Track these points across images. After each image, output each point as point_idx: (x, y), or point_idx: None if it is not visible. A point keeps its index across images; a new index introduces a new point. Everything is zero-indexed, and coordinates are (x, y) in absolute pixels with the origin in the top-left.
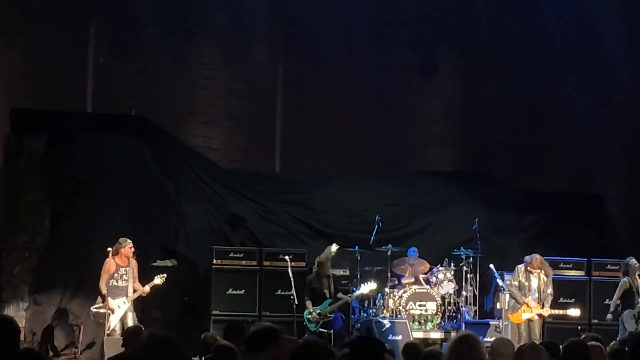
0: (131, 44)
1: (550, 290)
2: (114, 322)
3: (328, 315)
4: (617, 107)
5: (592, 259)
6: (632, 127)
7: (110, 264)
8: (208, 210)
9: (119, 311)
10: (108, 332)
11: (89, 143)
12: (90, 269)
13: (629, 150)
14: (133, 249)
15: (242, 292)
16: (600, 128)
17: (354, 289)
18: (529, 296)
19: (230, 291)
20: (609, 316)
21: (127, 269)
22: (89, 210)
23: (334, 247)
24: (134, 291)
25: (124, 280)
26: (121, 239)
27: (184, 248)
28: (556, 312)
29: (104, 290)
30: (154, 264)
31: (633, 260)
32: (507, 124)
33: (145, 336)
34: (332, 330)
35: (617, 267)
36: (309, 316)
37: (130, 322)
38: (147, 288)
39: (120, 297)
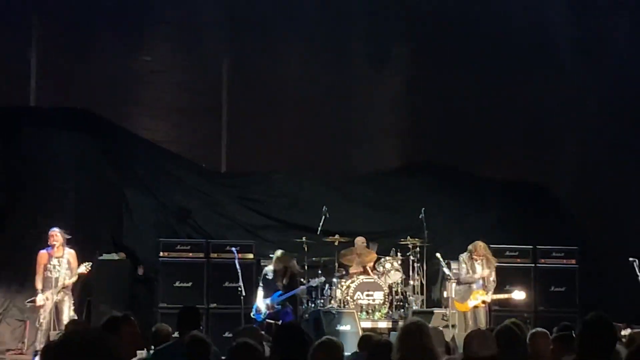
0: (76, 36)
1: (493, 277)
2: (43, 315)
3: (275, 306)
4: (565, 97)
5: (538, 247)
6: (580, 116)
7: (41, 255)
8: (154, 202)
9: (48, 303)
10: (37, 325)
11: (33, 137)
12: (35, 263)
13: (577, 138)
14: (53, 236)
15: (190, 284)
16: (549, 117)
17: (305, 282)
18: (474, 284)
19: (177, 284)
20: None
21: (61, 259)
22: (34, 204)
23: (278, 252)
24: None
25: (57, 271)
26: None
27: (130, 241)
28: (501, 296)
29: (38, 284)
30: (101, 257)
31: None
32: (457, 114)
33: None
34: (281, 322)
35: (562, 254)
36: (257, 306)
37: (65, 313)
38: (68, 280)
39: (51, 289)
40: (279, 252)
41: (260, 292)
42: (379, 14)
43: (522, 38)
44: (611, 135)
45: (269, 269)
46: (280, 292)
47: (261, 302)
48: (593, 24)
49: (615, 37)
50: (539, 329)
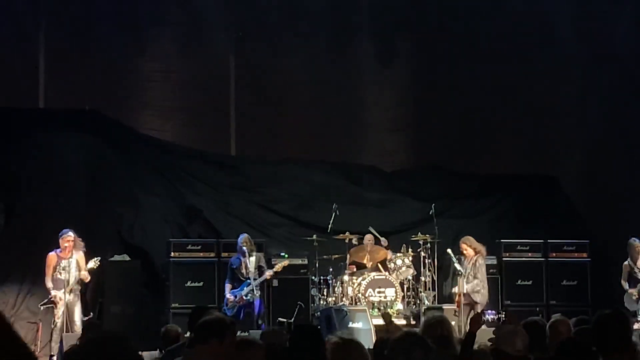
0: (83, 38)
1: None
2: (57, 315)
3: (244, 298)
4: (570, 88)
5: (549, 241)
6: (586, 107)
7: (51, 258)
8: (164, 202)
9: (61, 303)
10: (52, 325)
11: (42, 139)
12: (45, 266)
13: (583, 129)
14: (69, 241)
15: (201, 284)
16: (555, 109)
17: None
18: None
19: (189, 284)
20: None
21: (70, 260)
22: (44, 206)
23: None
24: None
25: (67, 272)
26: (63, 231)
27: (141, 242)
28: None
29: (49, 285)
30: (111, 259)
31: (632, 240)
32: (463, 108)
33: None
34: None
35: (573, 248)
36: (227, 299)
37: (76, 314)
38: (84, 273)
39: (62, 290)
40: (245, 235)
41: (227, 285)
42: (385, 10)
43: (526, 29)
44: (620, 126)
45: (234, 259)
46: (248, 281)
47: (230, 295)
48: (596, 14)
49: (618, 27)
50: (558, 317)
